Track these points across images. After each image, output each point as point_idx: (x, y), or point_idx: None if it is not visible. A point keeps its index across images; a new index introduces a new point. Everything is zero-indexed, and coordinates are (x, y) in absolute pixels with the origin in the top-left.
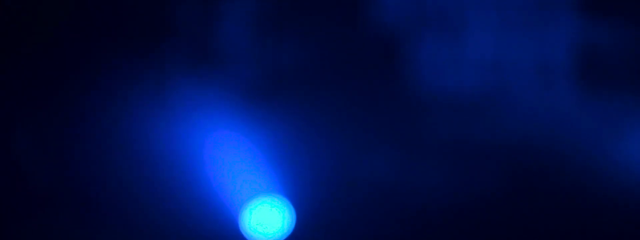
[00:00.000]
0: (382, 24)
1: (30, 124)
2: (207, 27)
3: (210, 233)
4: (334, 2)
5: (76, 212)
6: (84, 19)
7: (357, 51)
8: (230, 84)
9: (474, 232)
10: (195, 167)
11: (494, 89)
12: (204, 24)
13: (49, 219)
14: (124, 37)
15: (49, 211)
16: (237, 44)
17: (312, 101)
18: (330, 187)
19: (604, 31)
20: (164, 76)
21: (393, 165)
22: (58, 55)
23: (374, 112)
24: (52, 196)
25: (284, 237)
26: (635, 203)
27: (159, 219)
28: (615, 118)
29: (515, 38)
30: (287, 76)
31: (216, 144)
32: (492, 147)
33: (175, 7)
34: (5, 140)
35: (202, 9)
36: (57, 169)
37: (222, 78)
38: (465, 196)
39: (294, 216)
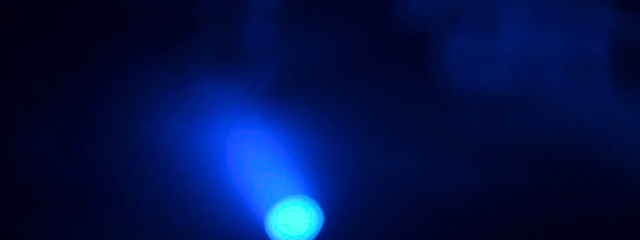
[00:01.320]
0: (410, 18)
1: (53, 123)
2: (230, 24)
3: (236, 234)
4: None
5: (99, 212)
6: (108, 17)
7: (384, 47)
8: (254, 82)
9: (505, 232)
10: (219, 168)
11: (525, 85)
12: (226, 21)
13: (71, 217)
14: (146, 34)
15: (72, 210)
16: (260, 41)
17: (338, 99)
18: (357, 187)
19: None
20: (187, 74)
21: (422, 164)
22: (80, 54)
23: (402, 110)
24: (74, 195)
25: (311, 238)
26: None
27: (184, 219)
28: None
29: (549, 33)
30: (312, 74)
31: (240, 143)
32: (523, 146)
33: (197, 4)
34: (27, 139)
35: (224, 6)
36: (80, 168)
37: (246, 76)
38: (495, 196)
39: (321, 217)
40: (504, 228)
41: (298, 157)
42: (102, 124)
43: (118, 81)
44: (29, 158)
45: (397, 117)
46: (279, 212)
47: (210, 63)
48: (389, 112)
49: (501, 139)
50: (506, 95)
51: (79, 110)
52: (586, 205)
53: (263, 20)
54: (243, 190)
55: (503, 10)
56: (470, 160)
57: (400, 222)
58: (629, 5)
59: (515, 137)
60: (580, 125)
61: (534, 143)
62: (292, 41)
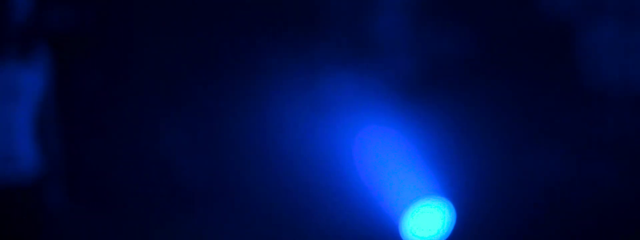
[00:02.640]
0: (552, 10)
1: (182, 121)
2: (362, 17)
3: (370, 235)
4: None
5: (229, 210)
6: (236, 14)
7: (525, 41)
8: (387, 78)
9: None
10: (349, 167)
11: None
12: (358, 14)
13: (201, 216)
14: (274, 30)
15: (202, 208)
16: (393, 35)
17: (476, 95)
18: (495, 187)
19: None
20: (316, 70)
21: (564, 163)
22: (209, 52)
23: (543, 107)
24: (204, 194)
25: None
26: None
27: (314, 220)
28: None
29: None
30: (448, 69)
31: (372, 142)
32: None
33: None
34: (158, 138)
35: None
36: (210, 166)
37: (378, 71)
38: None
39: (455, 218)
40: None
41: (432, 156)
42: (232, 121)
43: (247, 79)
44: (159, 155)
45: (538, 114)
46: (413, 213)
47: (340, 58)
48: (530, 108)
49: None
50: None
51: (208, 107)
52: None
53: (396, 13)
54: (375, 191)
55: None
56: (615, 159)
57: (540, 222)
58: None
59: None
60: None
61: None
62: (426, 35)
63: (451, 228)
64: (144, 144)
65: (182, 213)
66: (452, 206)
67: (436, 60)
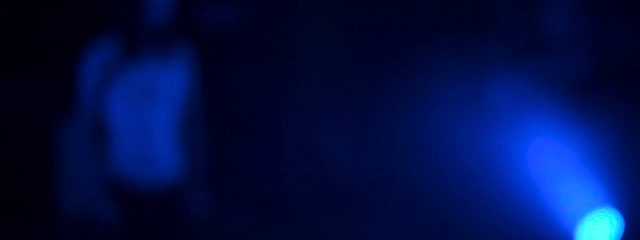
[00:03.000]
0: None
1: (343, 122)
2: (532, 12)
3: None
4: None
5: (389, 211)
6: (399, 10)
7: None
8: (559, 77)
9: None
10: (517, 171)
11: None
12: (528, 9)
13: (360, 216)
14: (441, 27)
15: (361, 209)
16: (566, 31)
17: None
18: None
19: None
20: (485, 69)
21: None
22: (370, 49)
23: None
24: (364, 194)
25: None
26: None
27: (476, 224)
28: None
29: None
30: (621, 67)
31: (541, 144)
32: None
33: None
34: (318, 138)
35: None
36: (370, 167)
37: (550, 70)
38: None
39: (624, 227)
40: None
41: (606, 163)
42: (393, 121)
43: (410, 77)
44: (318, 156)
45: None
46: (585, 222)
47: (510, 56)
48: None
49: None
50: None
51: (369, 107)
52: None
53: (568, 9)
54: (544, 197)
55: None
56: None
57: None
58: None
59: None
60: None
61: None
62: (602, 32)
63: (621, 237)
64: (303, 144)
65: (340, 213)
66: (621, 214)
67: (609, 58)
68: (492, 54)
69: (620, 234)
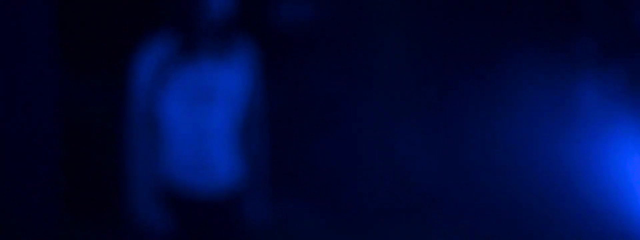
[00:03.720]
0: None
1: (419, 123)
2: (622, 10)
3: None
4: None
5: (461, 214)
6: (483, 6)
7: None
8: None
9: None
10: (606, 177)
11: None
12: (618, 8)
13: (434, 218)
14: (526, 26)
15: (435, 211)
16: None
17: None
18: None
19: None
20: (577, 67)
21: None
22: (450, 48)
23: None
24: (438, 197)
25: None
26: None
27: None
28: None
29: None
30: None
31: (633, 150)
32: None
33: None
34: (390, 139)
35: None
36: (446, 170)
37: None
38: None
39: None
40: None
41: None
42: (472, 124)
43: (494, 78)
44: (394, 158)
45: None
46: None
47: (600, 56)
48: None
49: None
50: None
51: (447, 109)
52: None
53: None
54: (636, 207)
55: None
56: None
57: None
58: None
59: None
60: None
61: None
62: None
63: None
64: (378, 146)
65: (414, 217)
66: None
67: None
68: (581, 53)
69: None
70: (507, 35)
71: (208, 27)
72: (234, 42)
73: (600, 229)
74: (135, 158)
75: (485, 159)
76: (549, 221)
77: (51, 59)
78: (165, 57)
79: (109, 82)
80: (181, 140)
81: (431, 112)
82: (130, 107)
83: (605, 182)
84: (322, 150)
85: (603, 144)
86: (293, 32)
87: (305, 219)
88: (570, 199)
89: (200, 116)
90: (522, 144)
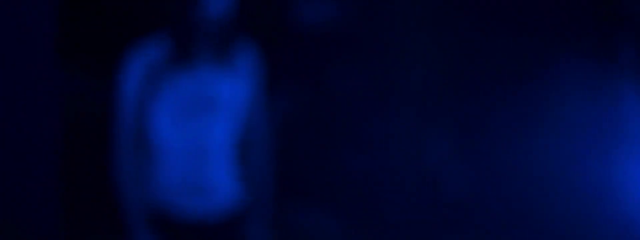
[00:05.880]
0: None
1: (449, 130)
2: None
3: None
4: None
5: (485, 221)
6: (517, 9)
7: None
8: None
9: None
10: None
11: None
12: None
13: (456, 228)
14: (565, 28)
15: (465, 221)
16: None
17: None
18: None
19: None
20: (617, 76)
21: None
22: (481, 53)
23: None
24: (469, 207)
25: None
26: None
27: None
28: None
29: None
30: None
31: None
32: None
33: None
34: (419, 146)
35: None
36: (476, 179)
37: None
38: None
39: None
40: None
41: None
42: (504, 132)
43: (526, 85)
44: (423, 166)
45: None
46: None
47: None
48: None
49: None
50: None
51: (478, 116)
52: None
53: None
54: None
55: None
56: None
57: None
58: None
59: None
60: None
61: None
62: None
63: None
64: (406, 153)
65: (442, 226)
66: None
67: None
68: (625, 62)
69: None
70: (546, 42)
71: (206, 28)
72: (236, 45)
73: None
74: (123, 178)
75: (520, 169)
76: (587, 237)
77: (51, 59)
78: (156, 63)
79: (109, 82)
80: (175, 158)
81: (462, 120)
82: (117, 120)
83: None
84: (348, 155)
85: None
86: (304, 34)
87: (328, 236)
88: (609, 214)
89: (197, 130)
90: (558, 155)
